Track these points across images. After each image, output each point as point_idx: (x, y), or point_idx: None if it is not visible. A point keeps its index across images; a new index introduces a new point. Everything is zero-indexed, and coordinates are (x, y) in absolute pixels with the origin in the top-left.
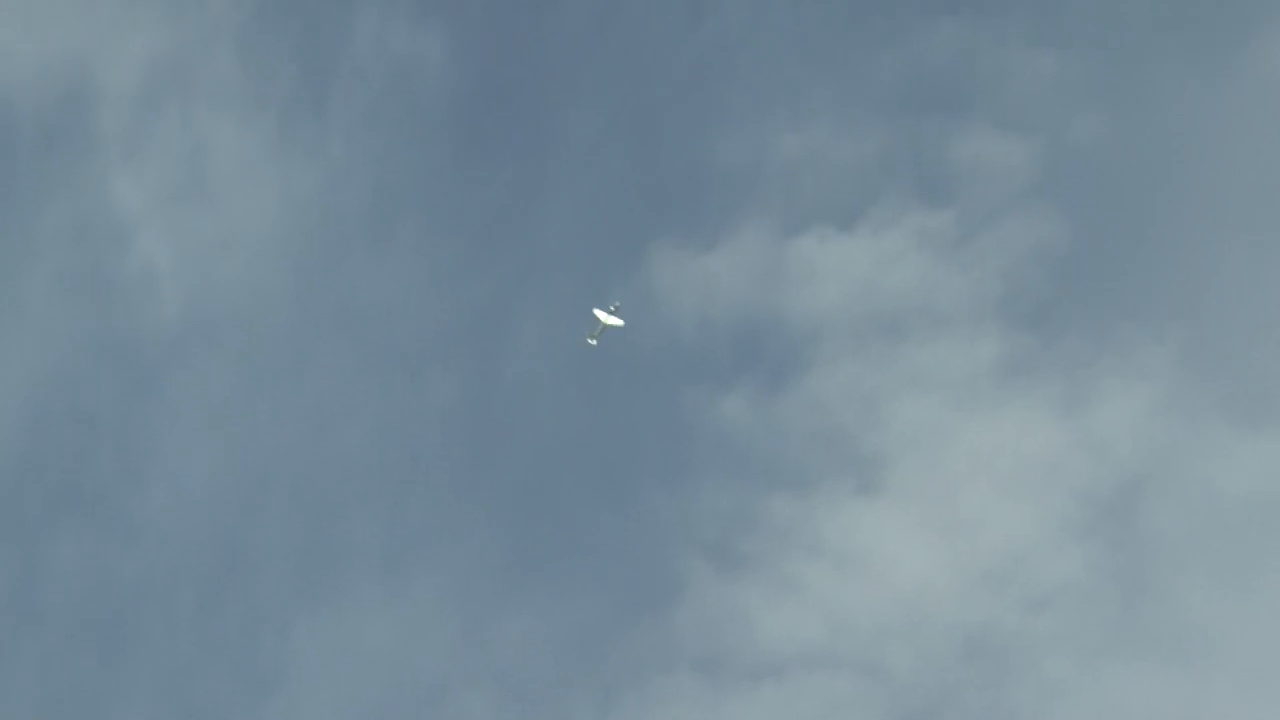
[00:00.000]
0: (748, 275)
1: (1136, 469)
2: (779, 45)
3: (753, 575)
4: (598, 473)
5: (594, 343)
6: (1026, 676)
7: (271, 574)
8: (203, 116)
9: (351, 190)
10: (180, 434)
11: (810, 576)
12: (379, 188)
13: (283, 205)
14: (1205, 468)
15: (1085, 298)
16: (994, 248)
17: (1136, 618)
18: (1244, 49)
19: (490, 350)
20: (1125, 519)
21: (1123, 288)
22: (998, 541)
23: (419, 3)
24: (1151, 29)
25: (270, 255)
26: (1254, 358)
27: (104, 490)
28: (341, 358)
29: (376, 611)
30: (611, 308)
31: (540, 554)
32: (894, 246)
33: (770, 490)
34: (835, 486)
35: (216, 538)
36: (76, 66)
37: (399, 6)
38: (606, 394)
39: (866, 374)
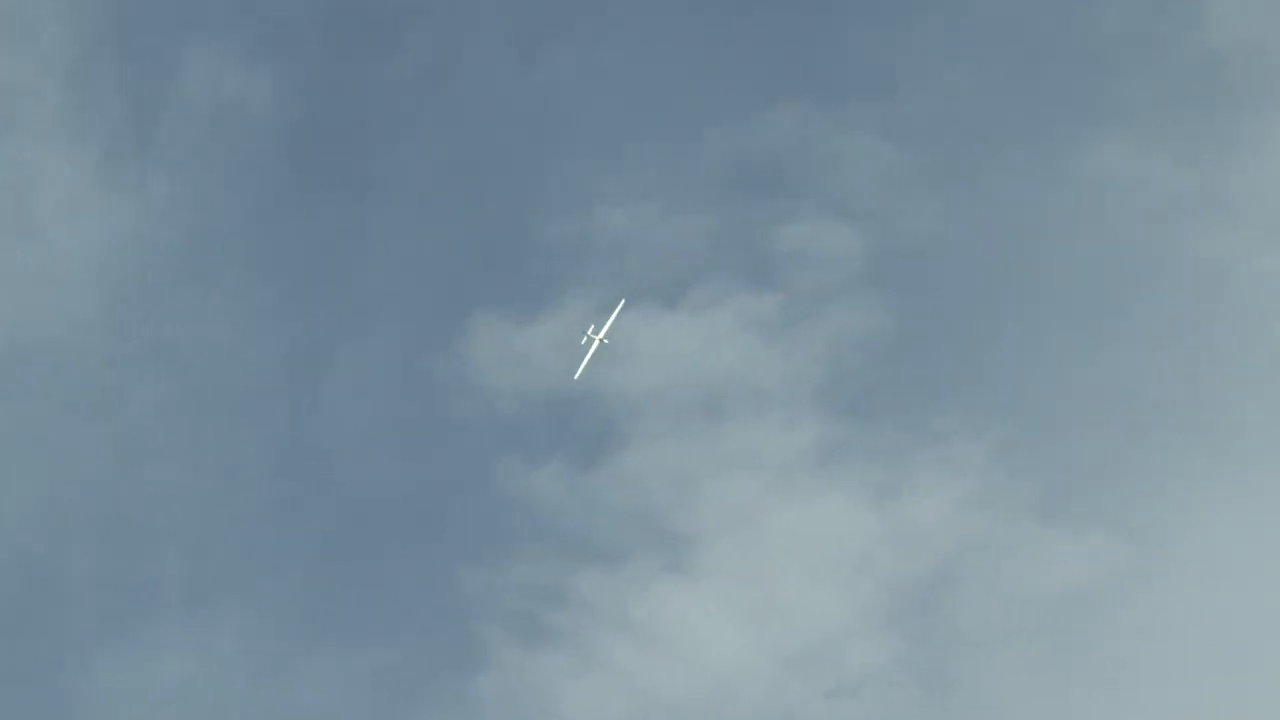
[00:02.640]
0: (568, 348)
1: (946, 561)
2: (612, 115)
3: (558, 649)
4: (407, 531)
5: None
6: None
7: (74, 607)
8: (25, 150)
9: (173, 227)
10: None
11: (616, 653)
12: (201, 226)
13: (103, 240)
14: (1014, 563)
15: (906, 388)
16: (818, 333)
17: (940, 709)
18: (1077, 150)
19: (306, 396)
20: (933, 610)
21: (943, 381)
22: (806, 627)
23: (251, 43)
24: (988, 125)
25: (88, 289)
26: (1066, 457)
27: None
28: (156, 394)
29: (179, 647)
30: (588, 336)
31: (344, 605)
32: (718, 326)
33: (580, 566)
34: (646, 564)
35: (20, 568)
36: None
37: (231, 45)
38: (420, 453)
39: (683, 453)
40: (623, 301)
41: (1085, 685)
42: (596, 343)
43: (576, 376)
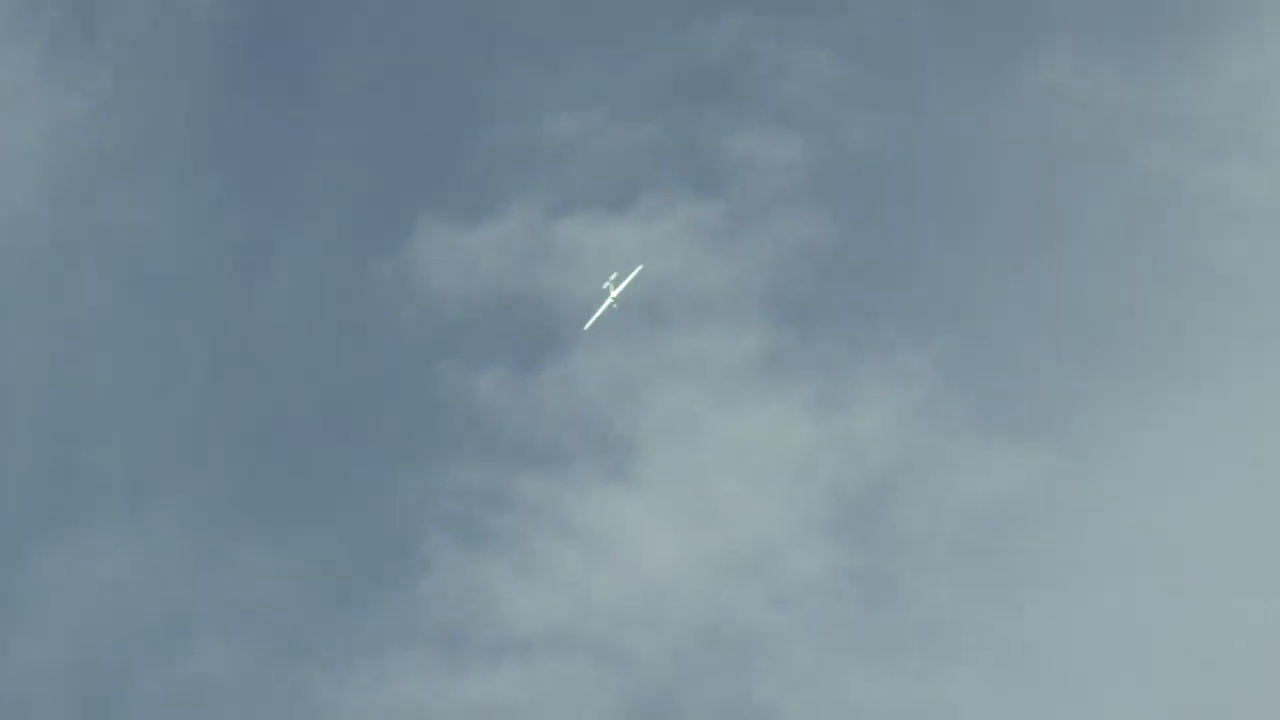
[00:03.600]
0: (512, 253)
1: (888, 471)
2: (558, 20)
3: (498, 553)
4: (347, 430)
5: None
6: (768, 669)
7: (11, 500)
8: None
9: (117, 121)
10: None
11: (556, 558)
12: (145, 119)
13: (46, 132)
14: (956, 473)
15: (849, 299)
16: (763, 241)
17: (880, 616)
18: (1024, 61)
19: (247, 292)
20: (874, 520)
21: (888, 291)
22: (746, 535)
23: None
24: (934, 36)
25: (30, 182)
26: (1010, 368)
27: None
28: (96, 287)
29: (117, 540)
30: (610, 281)
31: (284, 500)
32: (662, 233)
33: (520, 469)
34: (587, 470)
35: None
36: None
37: None
38: (361, 354)
39: (625, 359)
40: (640, 267)
41: (1026, 593)
42: (609, 300)
43: (586, 327)
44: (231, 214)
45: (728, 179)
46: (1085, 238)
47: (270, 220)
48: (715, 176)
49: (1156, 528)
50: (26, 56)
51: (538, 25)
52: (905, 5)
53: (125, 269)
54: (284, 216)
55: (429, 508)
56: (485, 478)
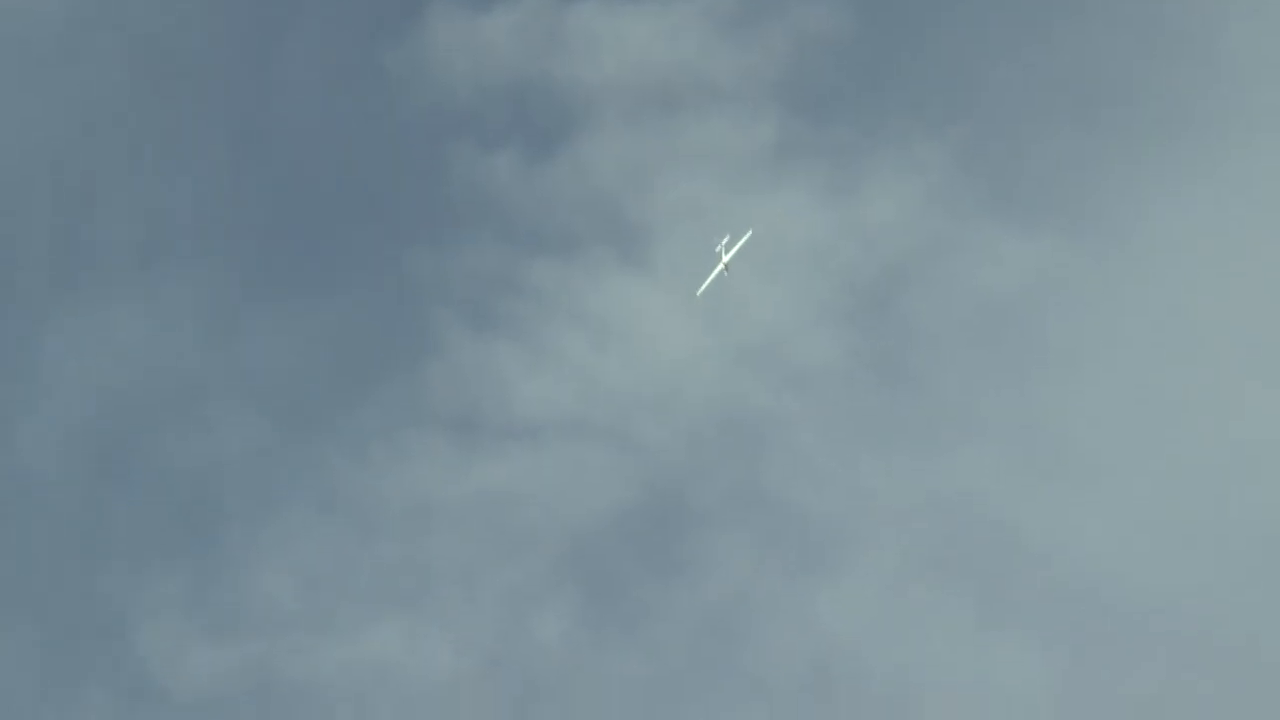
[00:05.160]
0: (525, 38)
1: (900, 258)
2: None
3: (510, 338)
4: (358, 210)
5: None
6: (778, 454)
7: (25, 268)
8: None
9: None
10: None
11: (568, 343)
12: None
13: None
14: (968, 260)
15: (864, 87)
16: (779, 29)
17: (892, 402)
18: None
19: (261, 72)
20: (886, 307)
21: (902, 80)
22: (758, 322)
23: None
24: None
25: None
26: (1023, 158)
27: None
28: (111, 56)
29: (129, 308)
30: (721, 245)
31: (296, 276)
32: (677, 19)
33: (532, 255)
34: (599, 256)
35: None
36: None
37: None
38: (375, 138)
39: (638, 145)
40: (750, 232)
41: (1037, 378)
42: (720, 266)
43: (699, 293)
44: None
45: None
46: (1099, 20)
47: (285, 5)
48: None
49: (1167, 310)
50: None
51: None
52: None
53: (140, 40)
54: (299, 2)
55: (440, 289)
56: (497, 261)
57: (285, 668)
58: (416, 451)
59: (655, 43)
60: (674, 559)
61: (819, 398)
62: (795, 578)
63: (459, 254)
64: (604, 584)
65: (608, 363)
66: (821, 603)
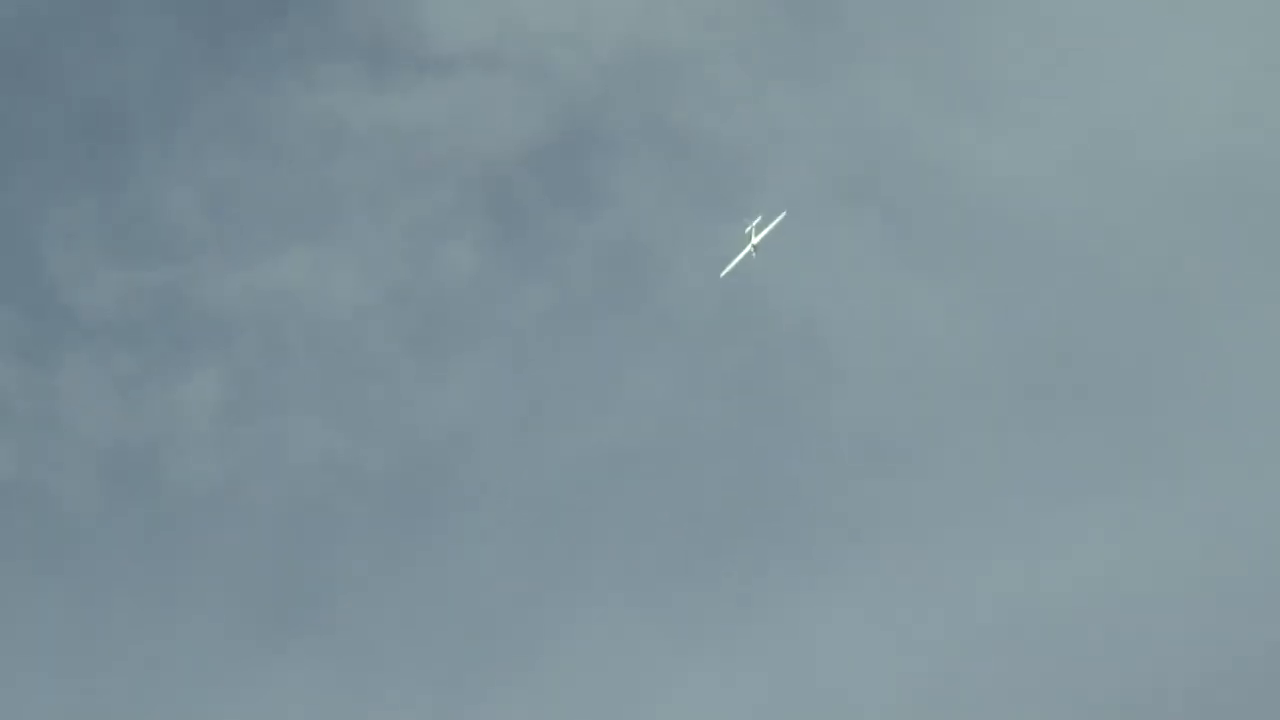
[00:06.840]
0: None
1: None
2: None
3: None
4: None
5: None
6: (691, 87)
7: None
8: None
9: None
10: None
11: None
12: None
13: None
14: None
15: None
16: None
17: (803, 37)
18: None
19: None
20: None
21: None
22: None
23: None
24: None
25: None
26: None
27: None
28: None
29: None
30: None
31: None
32: None
33: None
34: None
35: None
36: None
37: None
38: None
39: None
40: (783, 213)
41: (948, 7)
42: (749, 247)
43: (723, 275)
44: None
45: None
46: None
47: None
48: None
49: None
50: None
51: None
52: None
53: None
54: None
55: None
56: None
57: (192, 293)
58: (327, 79)
59: None
60: (583, 191)
61: (734, 32)
62: (703, 209)
63: None
64: (512, 215)
65: None
66: (728, 236)
